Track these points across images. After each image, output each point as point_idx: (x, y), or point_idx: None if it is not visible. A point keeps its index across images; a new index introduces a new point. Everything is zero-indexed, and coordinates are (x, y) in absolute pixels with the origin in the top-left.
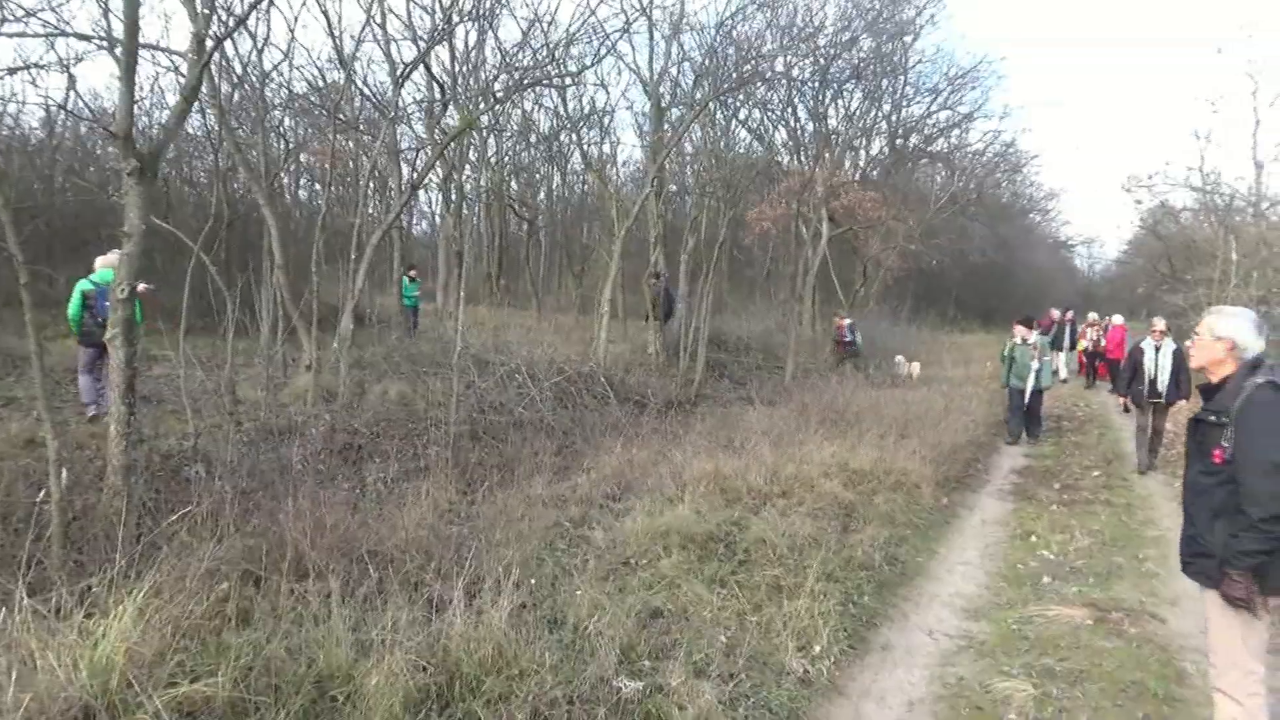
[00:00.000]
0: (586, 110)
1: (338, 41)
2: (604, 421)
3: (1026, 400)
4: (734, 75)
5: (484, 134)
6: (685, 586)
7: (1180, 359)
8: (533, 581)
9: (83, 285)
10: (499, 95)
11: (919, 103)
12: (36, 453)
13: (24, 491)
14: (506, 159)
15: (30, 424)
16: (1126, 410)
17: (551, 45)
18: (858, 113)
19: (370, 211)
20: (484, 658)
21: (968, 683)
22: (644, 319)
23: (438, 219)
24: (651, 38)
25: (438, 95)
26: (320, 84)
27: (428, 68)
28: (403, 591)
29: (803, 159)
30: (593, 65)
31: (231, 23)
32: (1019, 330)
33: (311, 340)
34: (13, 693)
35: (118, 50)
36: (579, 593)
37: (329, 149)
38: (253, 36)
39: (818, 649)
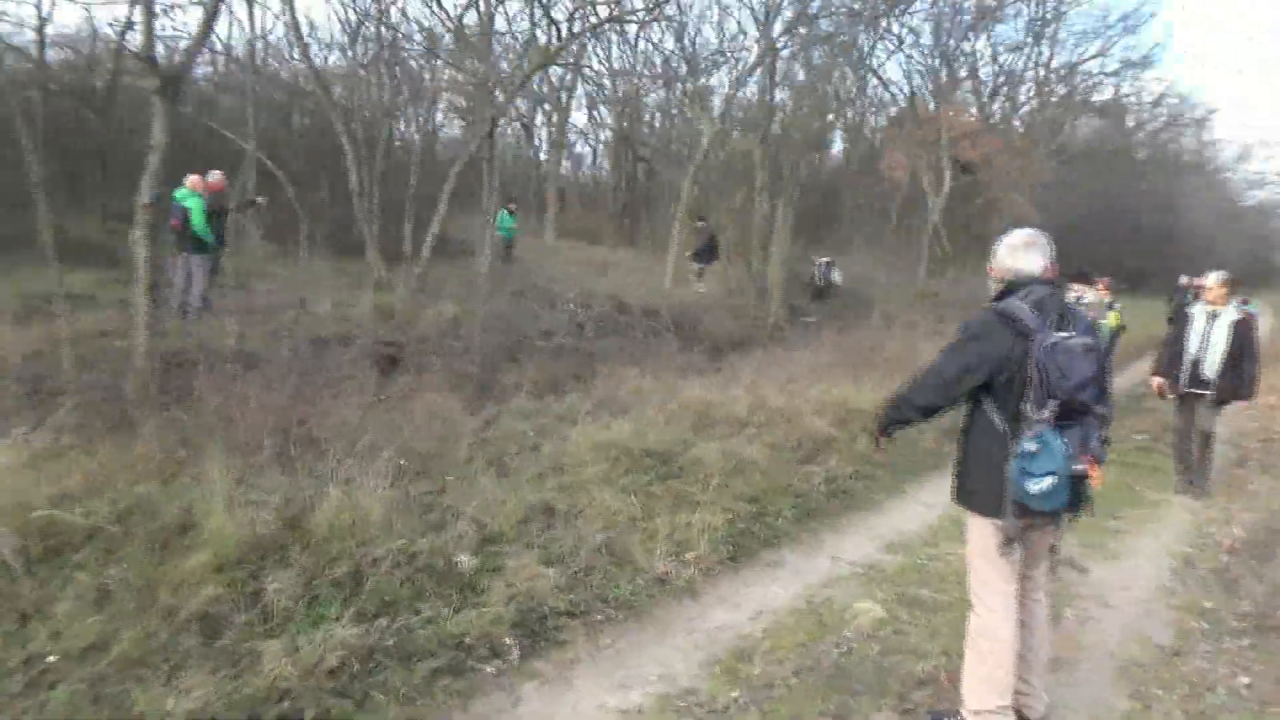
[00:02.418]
0: (702, 50)
1: None
2: (645, 353)
3: None
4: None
5: (570, 72)
6: (596, 492)
7: (1244, 334)
8: (443, 474)
9: (197, 199)
10: (575, 31)
11: (1070, 48)
12: (98, 343)
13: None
14: (625, 99)
15: (97, 319)
16: (1162, 396)
17: None
18: (998, 57)
19: (472, 148)
20: (338, 522)
21: (831, 602)
22: (691, 259)
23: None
24: None
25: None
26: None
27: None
28: (305, 464)
29: (933, 103)
30: (654, 5)
31: None
32: (1075, 287)
33: (381, 262)
34: None
35: None
36: (480, 485)
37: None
38: None
39: (689, 555)
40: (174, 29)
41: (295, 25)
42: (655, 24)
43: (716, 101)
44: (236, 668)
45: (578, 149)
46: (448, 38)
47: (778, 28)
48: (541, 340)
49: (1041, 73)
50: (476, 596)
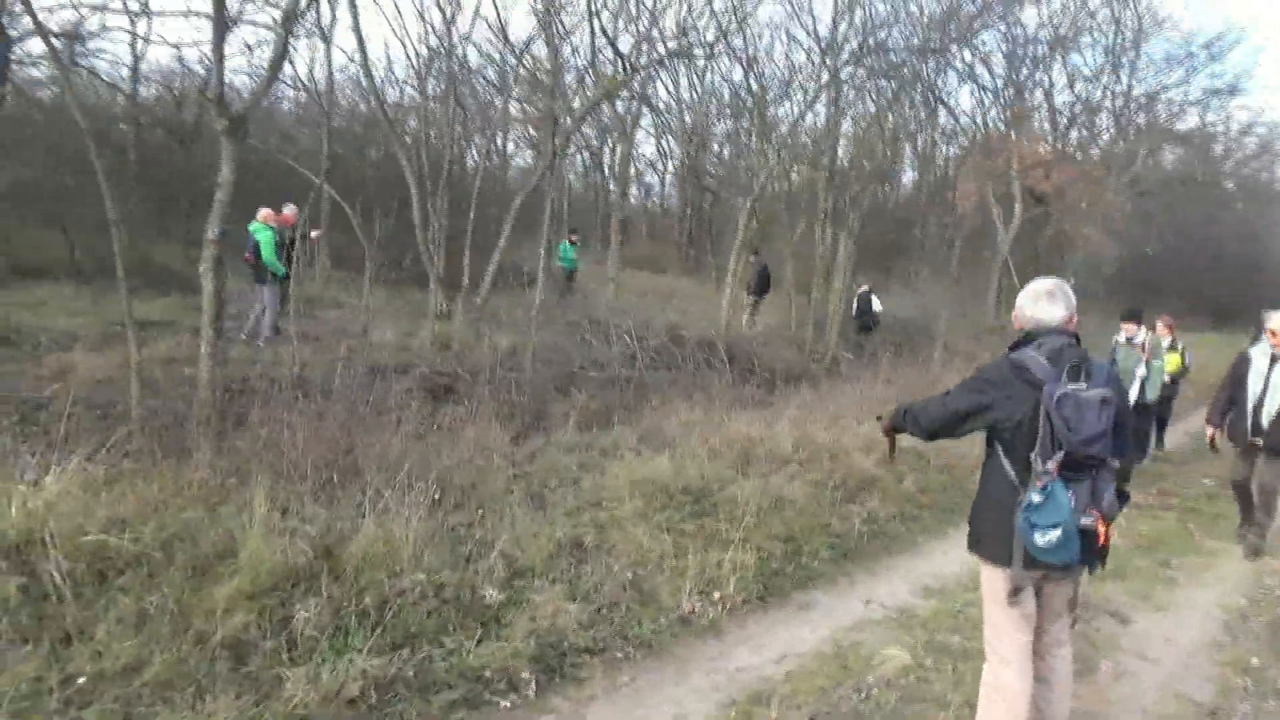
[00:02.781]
0: (769, 82)
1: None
2: (697, 385)
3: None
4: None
5: (633, 104)
6: (629, 528)
7: None
8: (479, 507)
9: (268, 232)
10: (636, 65)
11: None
12: (169, 369)
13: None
14: (692, 129)
15: (171, 345)
16: (1215, 449)
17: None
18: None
19: (534, 180)
20: (371, 552)
21: (858, 647)
22: (746, 293)
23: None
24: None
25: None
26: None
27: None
28: (347, 494)
29: (1007, 133)
30: (720, 38)
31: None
32: (1126, 327)
33: (444, 293)
34: None
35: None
36: (514, 517)
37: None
38: (443, 12)
39: (716, 595)
40: (250, 66)
41: (365, 65)
42: (723, 56)
43: (784, 130)
44: (260, 693)
45: (647, 178)
46: (514, 72)
47: (844, 54)
48: (595, 372)
49: (1120, 101)
50: (500, 629)
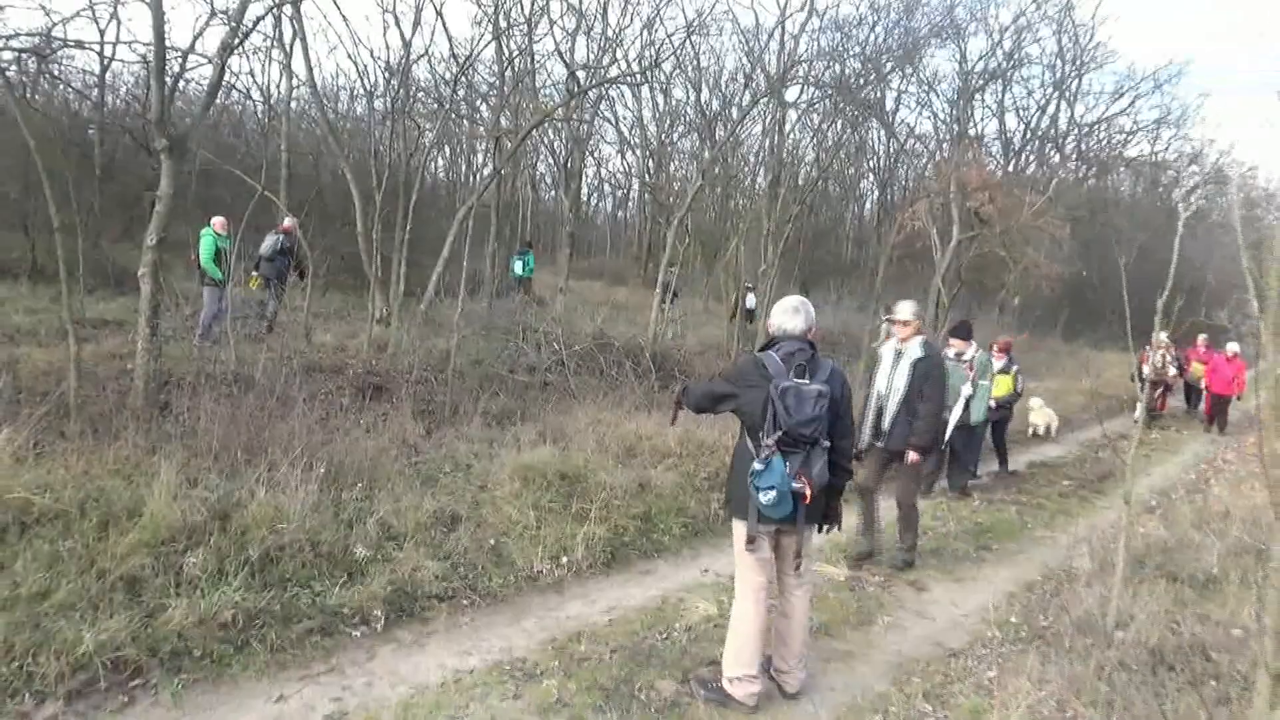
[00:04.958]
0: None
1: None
2: (616, 388)
3: (947, 436)
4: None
5: (581, 126)
6: (504, 506)
7: (927, 374)
8: (364, 482)
9: (208, 238)
10: (574, 91)
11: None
12: (112, 363)
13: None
14: (647, 145)
15: (120, 342)
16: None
17: (647, 43)
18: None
19: (475, 197)
20: (260, 514)
21: (681, 604)
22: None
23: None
24: (783, 33)
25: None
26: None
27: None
28: (251, 470)
29: (949, 156)
30: (656, 66)
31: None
32: (954, 343)
33: (383, 299)
34: None
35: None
36: (398, 494)
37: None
38: (400, 32)
39: (565, 560)
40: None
41: (313, 87)
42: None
43: (727, 150)
44: (148, 616)
45: (609, 193)
46: (463, 90)
47: (792, 78)
48: (523, 375)
49: (1064, 128)
50: (363, 579)
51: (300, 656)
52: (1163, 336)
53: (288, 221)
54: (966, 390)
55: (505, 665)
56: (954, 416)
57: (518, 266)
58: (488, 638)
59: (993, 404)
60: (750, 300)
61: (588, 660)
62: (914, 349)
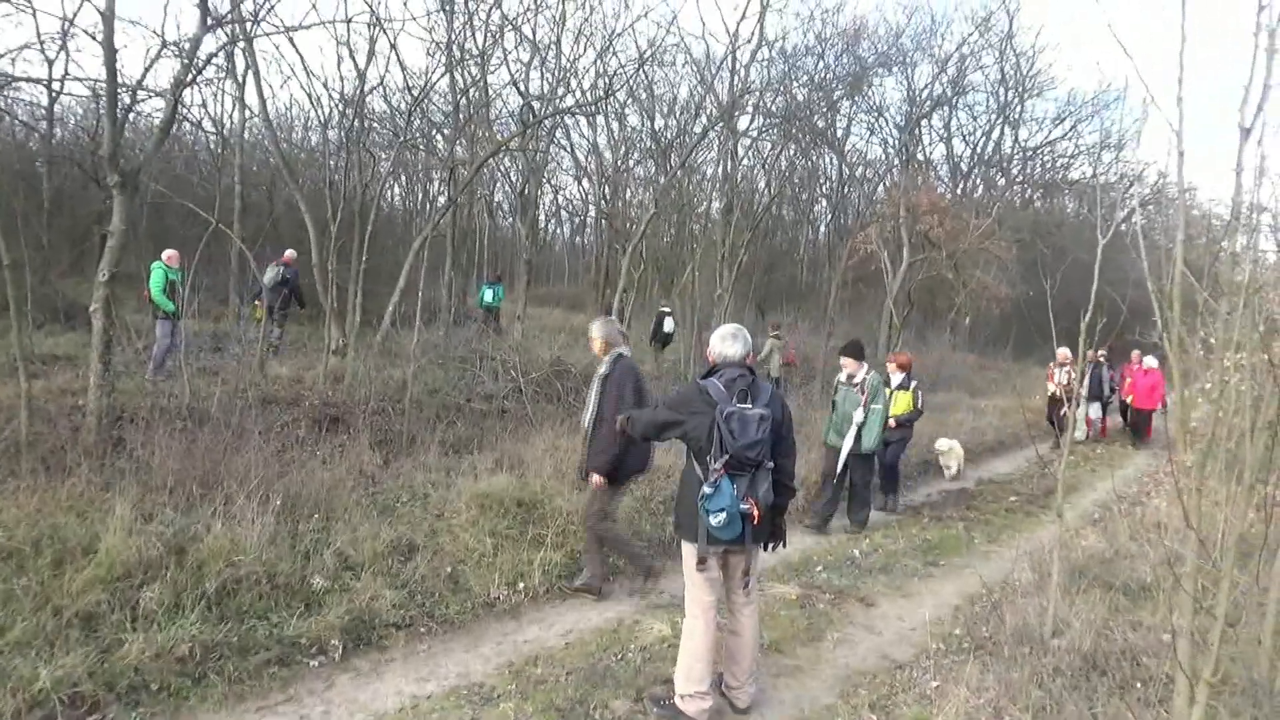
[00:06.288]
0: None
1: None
2: (572, 415)
3: (840, 464)
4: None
5: (536, 155)
6: (460, 534)
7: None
8: (320, 514)
9: (159, 271)
10: (529, 121)
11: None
12: (63, 400)
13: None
14: (602, 172)
15: (71, 378)
16: None
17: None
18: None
19: (430, 227)
20: (216, 548)
21: (637, 626)
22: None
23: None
24: (734, 63)
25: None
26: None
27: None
28: (207, 504)
29: (898, 179)
30: (608, 96)
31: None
32: (845, 363)
33: (339, 330)
34: None
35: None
36: (354, 525)
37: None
38: (358, 68)
39: (522, 585)
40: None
41: (267, 118)
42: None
43: (679, 179)
44: (104, 652)
45: (566, 220)
46: (417, 121)
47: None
48: (480, 403)
49: (1009, 152)
50: (320, 610)
51: (258, 688)
52: (1065, 351)
53: (289, 254)
54: (858, 417)
55: (463, 690)
56: (846, 446)
57: (488, 295)
58: (445, 664)
59: (892, 422)
60: (669, 324)
61: (544, 683)
62: (605, 367)
